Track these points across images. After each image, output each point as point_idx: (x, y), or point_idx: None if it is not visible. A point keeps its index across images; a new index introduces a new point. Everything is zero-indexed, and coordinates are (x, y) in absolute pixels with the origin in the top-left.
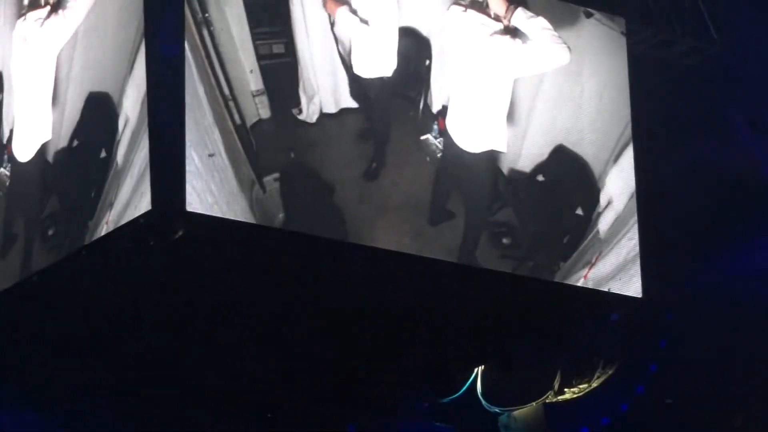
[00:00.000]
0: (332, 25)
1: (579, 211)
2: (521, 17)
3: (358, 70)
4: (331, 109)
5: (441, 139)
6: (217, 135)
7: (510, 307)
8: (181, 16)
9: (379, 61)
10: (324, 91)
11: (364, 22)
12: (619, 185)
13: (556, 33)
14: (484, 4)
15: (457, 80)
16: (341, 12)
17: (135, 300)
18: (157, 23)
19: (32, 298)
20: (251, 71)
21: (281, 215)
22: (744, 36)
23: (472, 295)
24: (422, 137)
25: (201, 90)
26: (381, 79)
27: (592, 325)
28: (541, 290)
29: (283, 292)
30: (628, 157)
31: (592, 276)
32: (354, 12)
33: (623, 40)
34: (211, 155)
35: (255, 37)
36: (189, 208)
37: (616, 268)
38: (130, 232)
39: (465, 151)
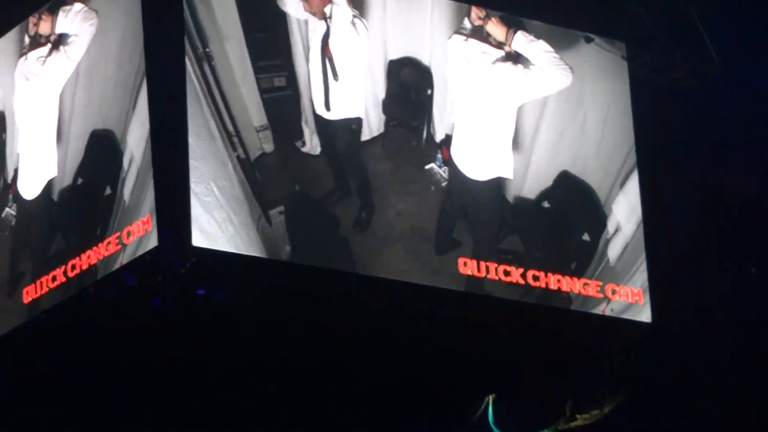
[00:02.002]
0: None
1: (586, 237)
2: (522, 41)
3: (321, 113)
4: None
5: (445, 168)
6: (230, 167)
7: (519, 335)
8: (181, 52)
9: (341, 105)
10: None
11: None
12: (626, 211)
13: (557, 55)
14: (485, 32)
15: (461, 109)
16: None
17: (143, 336)
18: (158, 59)
19: (40, 335)
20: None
21: (287, 248)
22: (743, 57)
23: (480, 324)
24: (426, 167)
25: (211, 122)
26: (349, 127)
27: (602, 351)
28: (550, 317)
29: (290, 324)
30: (634, 182)
31: (608, 311)
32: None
33: (624, 65)
34: None
35: (256, 70)
36: (197, 243)
37: (629, 299)
38: (138, 269)
39: (470, 179)
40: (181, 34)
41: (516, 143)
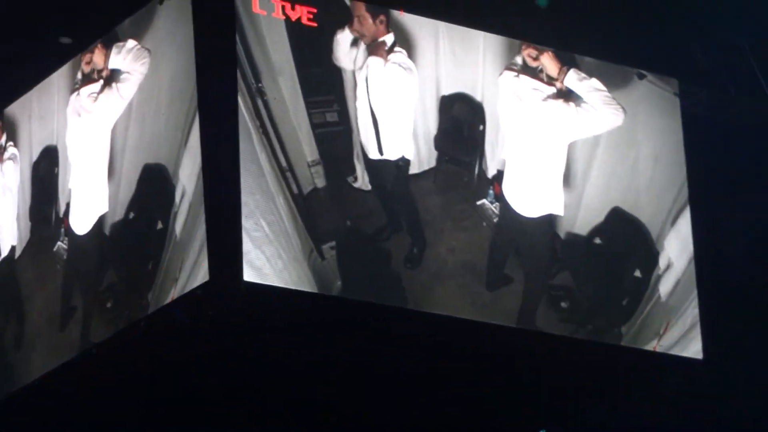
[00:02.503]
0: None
1: (637, 273)
2: (574, 79)
3: (370, 154)
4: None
5: (497, 203)
6: (281, 202)
7: (570, 371)
8: (234, 87)
9: (387, 144)
10: None
11: (379, 103)
12: (677, 247)
13: (609, 94)
14: (537, 68)
15: (512, 145)
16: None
17: (194, 371)
18: (210, 94)
19: (91, 369)
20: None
21: (339, 283)
22: None
23: (532, 360)
24: (478, 202)
25: (262, 157)
26: (395, 163)
27: (653, 387)
28: (601, 353)
29: (342, 360)
30: (686, 218)
31: (660, 347)
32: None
33: (677, 101)
34: None
35: (309, 105)
36: (248, 277)
37: (680, 335)
38: (188, 304)
39: (522, 216)
40: (234, 70)
41: (567, 180)
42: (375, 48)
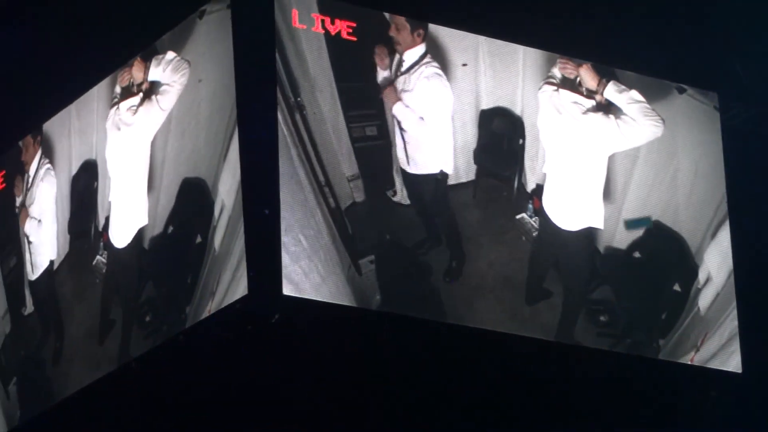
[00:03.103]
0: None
1: (677, 288)
2: (613, 91)
3: (407, 168)
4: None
5: (536, 218)
6: (319, 216)
7: (610, 385)
8: (273, 101)
9: (429, 160)
10: None
11: (418, 117)
12: (717, 261)
13: (648, 105)
14: (576, 81)
15: (552, 159)
16: (397, 107)
17: (233, 386)
18: (249, 108)
19: (130, 383)
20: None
21: (378, 297)
22: None
23: (571, 373)
24: (517, 216)
25: (301, 172)
26: (434, 177)
27: (692, 400)
28: (640, 367)
29: (382, 374)
30: (726, 232)
31: (697, 359)
32: (408, 107)
33: (716, 115)
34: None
35: (348, 119)
36: (287, 291)
37: (718, 347)
38: (227, 317)
39: (561, 230)
40: (273, 84)
41: (607, 193)
42: (407, 62)
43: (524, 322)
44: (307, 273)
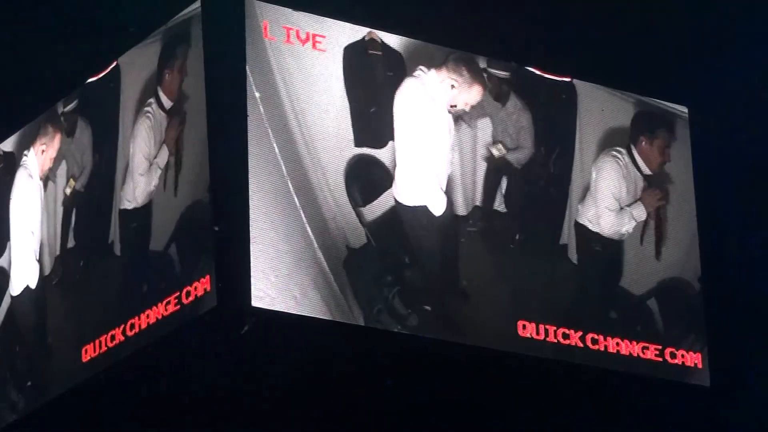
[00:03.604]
0: None
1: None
2: None
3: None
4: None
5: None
6: (299, 224)
7: (577, 398)
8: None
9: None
10: None
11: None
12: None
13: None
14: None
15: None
16: None
17: (200, 399)
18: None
19: (95, 397)
20: None
21: (356, 311)
22: None
23: (538, 386)
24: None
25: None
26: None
27: (659, 415)
28: (607, 379)
29: (357, 388)
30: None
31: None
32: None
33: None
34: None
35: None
36: (256, 303)
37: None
38: (195, 329)
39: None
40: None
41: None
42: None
43: (496, 336)
44: (277, 284)
